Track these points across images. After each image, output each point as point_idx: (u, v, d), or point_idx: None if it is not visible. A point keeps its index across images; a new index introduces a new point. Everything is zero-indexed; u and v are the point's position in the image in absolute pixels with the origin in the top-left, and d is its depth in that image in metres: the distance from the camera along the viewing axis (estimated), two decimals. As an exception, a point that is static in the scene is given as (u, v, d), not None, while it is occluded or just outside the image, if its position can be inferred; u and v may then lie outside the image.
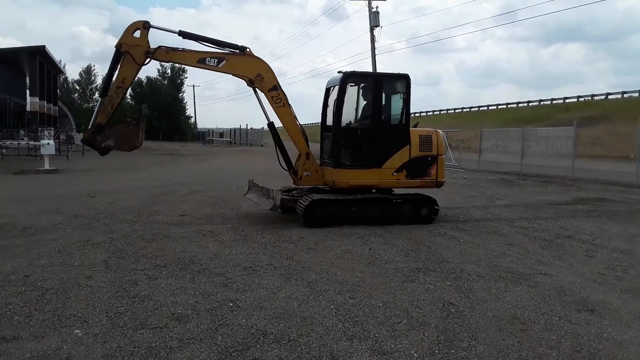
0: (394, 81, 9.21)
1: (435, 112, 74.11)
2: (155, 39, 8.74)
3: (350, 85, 9.22)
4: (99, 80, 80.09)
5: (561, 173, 18.97)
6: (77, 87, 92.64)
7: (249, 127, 64.20)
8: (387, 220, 8.80)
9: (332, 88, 9.42)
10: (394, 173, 8.95)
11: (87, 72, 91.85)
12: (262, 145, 54.46)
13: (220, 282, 5.44)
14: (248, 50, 8.88)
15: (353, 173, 8.82)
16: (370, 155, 8.95)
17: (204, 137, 74.73)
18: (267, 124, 9.47)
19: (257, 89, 9.02)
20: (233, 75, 8.97)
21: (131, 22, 8.41)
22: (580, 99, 55.84)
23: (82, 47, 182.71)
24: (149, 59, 8.45)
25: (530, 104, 60.88)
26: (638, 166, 16.69)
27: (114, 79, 8.41)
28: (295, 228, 8.47)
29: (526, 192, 14.93)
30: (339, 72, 9.24)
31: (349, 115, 9.23)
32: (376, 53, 32.28)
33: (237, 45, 8.84)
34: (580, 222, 9.52)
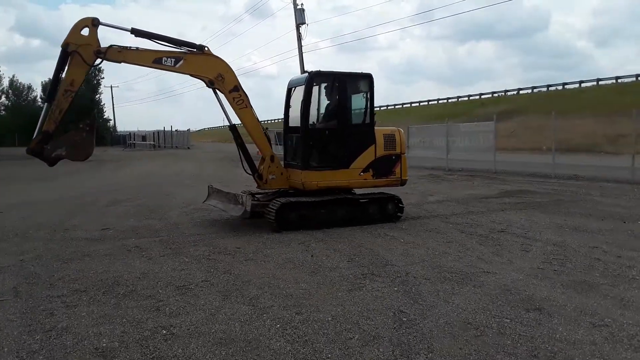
0: (357, 80, 9.18)
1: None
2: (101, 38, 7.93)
3: (314, 85, 8.94)
4: (5, 83, 73.82)
5: (484, 167, 19.75)
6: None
7: (173, 129, 61.93)
8: (354, 221, 8.74)
9: (293, 88, 9.26)
10: (361, 173, 8.92)
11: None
12: (188, 148, 52.68)
13: (151, 305, 4.90)
14: (206, 49, 8.47)
15: (322, 174, 8.68)
16: (338, 156, 8.84)
17: (124, 140, 71.16)
18: (229, 127, 9.18)
19: (217, 90, 8.63)
20: (191, 75, 8.58)
21: (79, 19, 7.76)
22: (494, 95, 58.96)
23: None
24: (100, 60, 7.86)
25: (449, 100, 63.42)
26: (554, 158, 17.71)
27: (60, 81, 7.71)
28: (230, 237, 8.01)
29: (455, 186, 15.31)
30: (304, 71, 8.93)
31: (311, 116, 8.94)
32: (303, 51, 32.10)
33: (195, 44, 8.42)
34: (510, 215, 9.79)
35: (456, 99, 62.76)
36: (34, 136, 7.78)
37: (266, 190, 9.21)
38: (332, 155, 8.84)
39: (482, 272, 5.93)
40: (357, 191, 9.50)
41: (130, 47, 8.03)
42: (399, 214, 9.26)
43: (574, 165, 18.43)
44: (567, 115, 29.73)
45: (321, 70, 9.03)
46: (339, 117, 8.88)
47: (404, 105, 68.97)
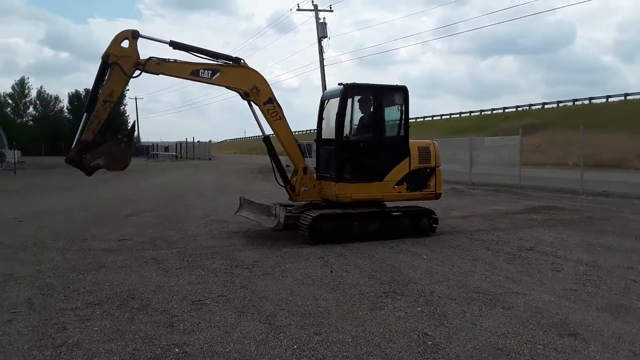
0: (392, 93, 9.12)
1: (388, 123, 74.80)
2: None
3: (349, 97, 8.88)
4: (33, 94, 75.77)
5: (509, 181, 19.26)
6: (10, 101, 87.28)
7: (195, 141, 62.53)
8: (387, 234, 8.64)
9: (327, 100, 9.28)
10: (395, 186, 8.82)
11: (21, 85, 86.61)
12: (209, 159, 53.07)
13: (165, 321, 4.75)
14: (242, 61, 8.59)
15: (356, 187, 8.59)
16: (373, 169, 8.76)
17: (147, 151, 72.15)
18: (263, 139, 9.17)
19: (252, 102, 8.66)
20: (227, 88, 8.61)
21: (119, 31, 7.86)
22: (518, 109, 58.11)
23: (16, 59, 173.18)
24: (139, 71, 7.94)
25: (472, 114, 62.73)
26: (582, 173, 17.16)
27: (100, 92, 7.83)
28: (249, 250, 7.85)
29: (479, 201, 14.94)
30: (339, 84, 8.90)
31: (344, 128, 8.87)
32: (325, 64, 32.13)
33: (231, 57, 8.53)
34: (538, 233, 9.42)
35: (479, 113, 62.07)
36: (73, 145, 7.87)
37: (298, 203, 9.12)
38: (366, 168, 8.77)
39: (511, 292, 5.63)
40: (389, 204, 9.29)
41: (168, 59, 8.13)
42: (433, 226, 9.12)
43: (603, 181, 17.86)
44: (595, 130, 29.02)
45: (356, 82, 8.91)
46: (373, 130, 8.85)
47: (426, 119, 68.46)
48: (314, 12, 32.56)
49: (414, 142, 9.21)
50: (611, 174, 22.29)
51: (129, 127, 8.57)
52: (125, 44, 7.82)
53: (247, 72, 8.60)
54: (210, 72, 8.30)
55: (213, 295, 5.50)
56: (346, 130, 8.93)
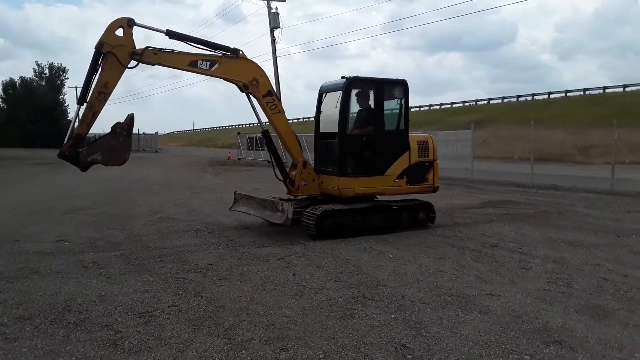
0: (393, 86, 9.05)
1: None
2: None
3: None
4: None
5: (461, 175, 19.40)
6: None
7: (141, 132, 60.09)
8: (387, 228, 8.60)
9: (325, 94, 9.15)
10: (396, 180, 8.84)
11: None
12: (156, 152, 51.12)
13: (107, 338, 4.11)
14: (241, 52, 8.32)
15: (358, 181, 8.55)
16: (375, 162, 8.72)
17: (89, 143, 68.70)
18: (262, 132, 9.09)
19: (250, 95, 8.43)
20: (225, 79, 8.28)
21: (113, 19, 7.45)
22: (465, 104, 59.53)
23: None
24: (135, 62, 7.56)
25: (421, 109, 63.74)
26: (532, 167, 17.49)
27: (94, 83, 7.37)
28: (201, 252, 7.23)
29: (435, 195, 14.81)
30: (342, 77, 8.65)
31: (334, 120, 8.66)
32: (277, 56, 31.39)
33: (229, 47, 8.24)
34: (499, 228, 9.30)
35: (428, 107, 63.13)
36: (66, 140, 7.41)
37: (295, 197, 8.93)
38: (368, 162, 8.72)
39: (484, 294, 5.35)
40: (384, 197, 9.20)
41: (165, 49, 7.81)
42: (430, 218, 9.26)
43: (551, 175, 18.30)
44: (538, 125, 29.95)
45: (359, 76, 8.74)
46: (375, 123, 8.75)
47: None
48: (265, 2, 31.70)
49: (413, 136, 9.21)
50: (555, 168, 22.99)
51: (128, 119, 7.66)
52: (120, 32, 7.39)
53: (246, 64, 8.35)
54: (208, 63, 8.01)
55: (163, 306, 4.88)
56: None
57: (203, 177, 21.92)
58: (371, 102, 8.91)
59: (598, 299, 5.21)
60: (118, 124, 7.60)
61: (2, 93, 69.29)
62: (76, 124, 7.51)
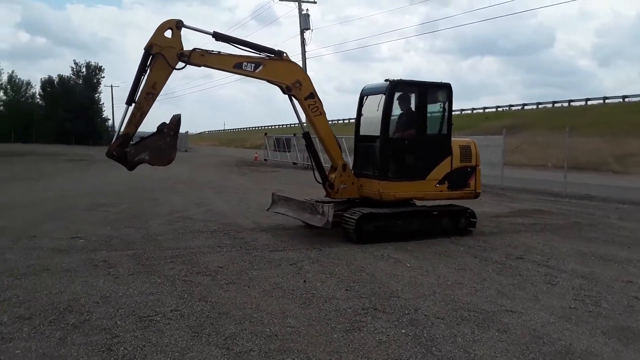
0: (437, 90, 8.92)
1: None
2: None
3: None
4: (4, 78, 72.71)
5: (491, 182, 18.80)
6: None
7: (172, 132, 61.01)
8: (425, 233, 8.52)
9: (366, 97, 9.09)
10: (437, 185, 8.69)
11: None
12: (186, 151, 51.73)
13: (102, 342, 3.97)
14: (285, 54, 8.34)
15: (399, 185, 8.44)
16: (416, 167, 8.62)
17: (123, 141, 70.15)
18: (303, 134, 9.10)
19: (292, 97, 8.42)
20: (269, 81, 8.32)
21: (163, 21, 7.54)
22: (498, 109, 58.21)
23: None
24: (183, 63, 7.61)
25: (453, 113, 62.63)
26: (566, 176, 16.81)
27: (142, 84, 7.44)
28: (214, 254, 7.09)
29: (462, 202, 14.36)
30: (386, 80, 8.53)
31: (375, 123, 8.59)
32: (306, 58, 31.30)
33: (274, 50, 8.28)
34: (526, 239, 8.86)
35: (460, 112, 62.03)
36: (114, 139, 7.55)
37: (333, 200, 8.76)
38: (410, 166, 8.59)
39: (504, 310, 5.01)
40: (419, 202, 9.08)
41: (212, 51, 7.86)
42: (470, 227, 9.05)
43: (585, 184, 17.59)
44: (574, 132, 28.95)
45: (402, 79, 8.64)
46: (417, 127, 8.65)
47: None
48: (296, 3, 31.67)
49: (456, 141, 9.10)
50: (591, 177, 22.11)
51: (175, 120, 7.70)
52: (169, 34, 7.47)
53: (289, 66, 8.41)
54: (253, 65, 8.03)
55: (165, 310, 4.74)
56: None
57: (228, 177, 21.96)
58: (412, 106, 8.80)
59: (628, 319, 4.81)
60: (164, 124, 7.68)
61: (40, 91, 71.60)
62: (124, 123, 7.52)
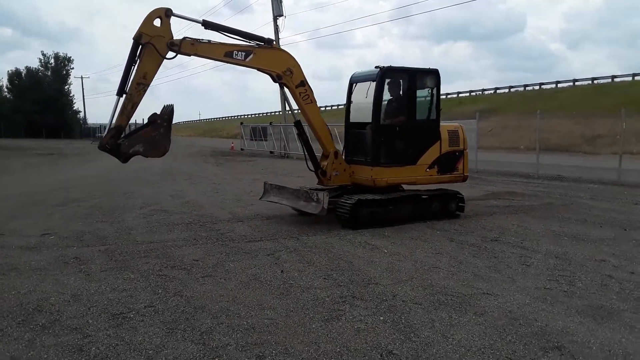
0: (425, 76, 9.04)
1: (340, 106, 74.40)
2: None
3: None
4: None
5: (473, 167, 19.00)
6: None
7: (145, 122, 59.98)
8: (417, 218, 8.69)
9: (355, 84, 9.17)
10: (427, 169, 8.90)
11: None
12: (159, 142, 50.90)
13: (73, 343, 3.85)
14: (274, 42, 8.43)
15: (391, 171, 8.59)
16: (407, 152, 8.78)
17: (94, 133, 68.77)
18: (294, 123, 9.12)
19: (283, 85, 8.42)
20: (259, 70, 8.27)
21: (151, 9, 7.41)
22: (472, 94, 58.82)
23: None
24: (174, 53, 7.51)
25: (426, 99, 62.98)
26: (538, 158, 17.10)
27: (132, 74, 7.32)
28: (189, 246, 6.96)
29: (437, 187, 14.47)
30: (376, 67, 8.58)
31: (364, 110, 8.76)
32: (280, 45, 30.92)
33: (263, 38, 8.26)
34: (500, 221, 8.97)
35: (434, 97, 62.30)
36: (106, 131, 7.45)
37: (326, 187, 8.84)
38: (401, 152, 8.74)
39: (481, 293, 5.05)
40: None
41: (202, 40, 7.75)
42: (460, 208, 9.25)
43: (556, 165, 17.89)
44: (545, 115, 29.39)
45: (392, 65, 8.63)
46: (408, 113, 8.78)
47: (382, 102, 68.15)
48: (268, -11, 31.16)
49: (444, 126, 9.24)
50: (562, 158, 22.53)
51: (168, 110, 7.51)
52: (157, 22, 7.34)
53: (280, 54, 8.47)
54: (243, 53, 7.99)
55: (139, 306, 4.62)
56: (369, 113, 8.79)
57: (204, 167, 21.68)
58: (401, 92, 8.90)
59: (602, 298, 4.90)
60: (156, 114, 7.58)
61: (8, 83, 69.42)
62: (115, 115, 7.38)
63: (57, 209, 10.13)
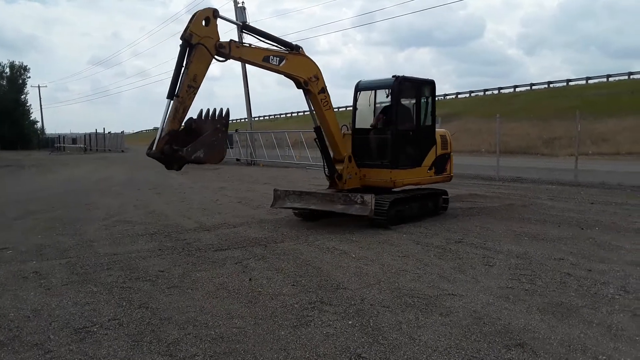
0: (427, 85, 9.74)
1: (306, 113, 74.59)
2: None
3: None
4: None
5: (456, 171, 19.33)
6: None
7: (106, 132, 58.63)
8: (422, 214, 9.50)
9: (359, 92, 9.75)
10: (428, 170, 9.70)
11: None
12: (122, 151, 49.84)
13: (34, 359, 3.73)
14: (301, 49, 8.52)
15: (406, 173, 9.26)
16: (416, 155, 9.51)
17: (52, 144, 66.73)
18: (315, 128, 9.18)
19: (307, 91, 8.61)
20: (287, 75, 8.45)
21: (200, 9, 7.21)
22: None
23: None
24: (223, 57, 7.43)
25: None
26: (498, 160, 17.58)
27: (182, 77, 7.02)
28: (155, 257, 6.83)
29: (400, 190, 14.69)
30: (393, 76, 9.16)
31: (368, 117, 9.69)
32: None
33: (292, 44, 8.44)
34: (464, 222, 9.18)
35: (398, 102, 63.25)
36: (159, 138, 6.93)
37: (341, 190, 9.17)
38: (412, 155, 9.45)
39: (446, 294, 5.15)
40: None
41: (244, 43, 7.89)
42: (445, 204, 10.24)
43: (516, 167, 18.47)
44: (504, 118, 30.29)
45: (406, 75, 9.26)
46: (417, 119, 9.52)
47: (348, 108, 68.86)
48: (231, -4, 31.02)
49: (437, 131, 10.06)
50: (522, 160, 23.24)
51: (225, 115, 7.40)
52: (204, 23, 7.17)
53: (308, 61, 8.61)
54: (278, 59, 8.12)
55: (103, 320, 4.51)
56: (369, 119, 9.66)
57: (169, 176, 21.27)
58: (404, 100, 9.59)
59: (561, 296, 5.07)
60: (194, 120, 7.42)
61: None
62: (166, 120, 7.01)
63: (16, 222, 9.79)
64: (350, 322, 4.40)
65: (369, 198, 8.21)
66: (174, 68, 7.10)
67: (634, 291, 5.15)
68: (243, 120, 45.26)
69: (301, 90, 8.79)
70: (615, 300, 4.89)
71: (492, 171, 17.67)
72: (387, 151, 9.16)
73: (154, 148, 6.98)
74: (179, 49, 7.09)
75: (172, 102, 7.03)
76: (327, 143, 9.18)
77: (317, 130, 9.11)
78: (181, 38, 7.07)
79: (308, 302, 4.95)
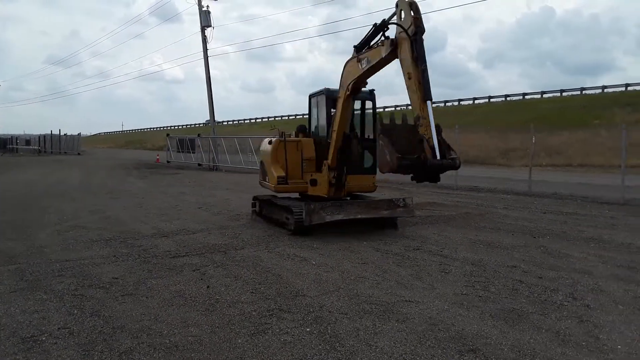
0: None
1: (271, 118, 74.38)
2: None
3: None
4: None
5: (391, 177, 19.61)
6: None
7: (62, 133, 56.68)
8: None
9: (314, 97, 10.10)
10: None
11: None
12: (78, 154, 48.25)
13: (-24, 372, 3.56)
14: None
15: (374, 177, 9.85)
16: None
17: (4, 145, 63.99)
18: (344, 136, 8.84)
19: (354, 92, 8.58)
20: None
21: (401, 1, 6.88)
22: (396, 108, 61.03)
23: None
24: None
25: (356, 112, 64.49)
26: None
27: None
28: (109, 264, 6.64)
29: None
30: (371, 90, 9.51)
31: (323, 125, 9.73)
32: (209, 55, 30.50)
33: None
34: (422, 230, 9.36)
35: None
36: (436, 146, 6.45)
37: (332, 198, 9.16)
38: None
39: (403, 301, 5.23)
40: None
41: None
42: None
43: (474, 177, 18.95)
44: (463, 129, 31.09)
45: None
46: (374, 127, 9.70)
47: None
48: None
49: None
50: (479, 170, 23.86)
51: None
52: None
53: None
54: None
55: (52, 328, 4.35)
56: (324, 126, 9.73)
57: (126, 180, 20.79)
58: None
59: (513, 302, 5.23)
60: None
61: None
62: (432, 124, 6.70)
63: (-40, 227, 9.31)
64: (308, 330, 4.41)
65: (409, 201, 9.10)
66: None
67: (582, 298, 5.37)
68: (206, 124, 44.64)
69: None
70: (564, 307, 5.08)
71: (451, 180, 18.04)
72: (368, 157, 9.58)
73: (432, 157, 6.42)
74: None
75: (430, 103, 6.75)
76: (332, 149, 8.93)
77: (346, 137, 8.71)
78: (406, 30, 6.75)
79: (266, 309, 4.92)
